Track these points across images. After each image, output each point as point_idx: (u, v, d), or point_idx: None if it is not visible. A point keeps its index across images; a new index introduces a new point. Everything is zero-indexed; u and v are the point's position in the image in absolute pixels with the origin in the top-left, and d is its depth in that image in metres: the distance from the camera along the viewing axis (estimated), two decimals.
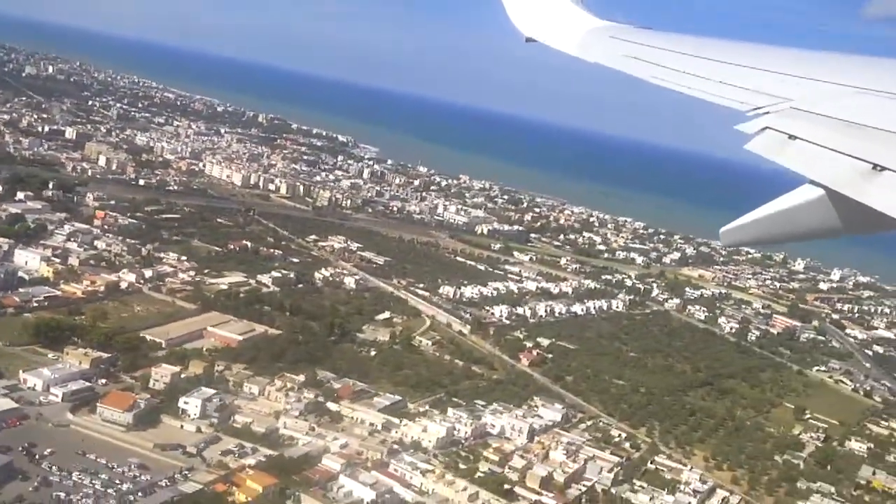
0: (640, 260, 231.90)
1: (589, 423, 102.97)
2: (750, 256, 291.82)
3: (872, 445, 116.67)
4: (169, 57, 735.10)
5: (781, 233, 9.07)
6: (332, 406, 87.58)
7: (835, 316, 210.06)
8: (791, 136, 9.22)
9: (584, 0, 20.61)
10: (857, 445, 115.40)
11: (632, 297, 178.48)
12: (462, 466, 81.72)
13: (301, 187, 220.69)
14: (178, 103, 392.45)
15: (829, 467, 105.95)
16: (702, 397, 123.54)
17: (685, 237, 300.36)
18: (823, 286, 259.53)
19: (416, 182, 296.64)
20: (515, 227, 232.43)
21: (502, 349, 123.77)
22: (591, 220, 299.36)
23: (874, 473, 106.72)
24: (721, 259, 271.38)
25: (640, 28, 18.24)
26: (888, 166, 7.64)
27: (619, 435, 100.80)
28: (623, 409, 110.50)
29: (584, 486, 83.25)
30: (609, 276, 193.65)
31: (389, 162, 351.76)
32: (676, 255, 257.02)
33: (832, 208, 8.28)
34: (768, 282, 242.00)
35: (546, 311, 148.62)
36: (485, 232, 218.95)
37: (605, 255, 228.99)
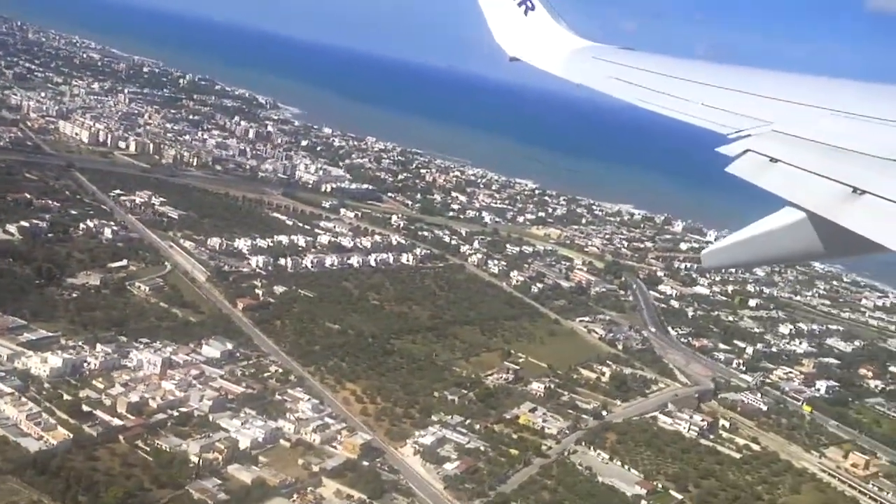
0: (488, 219, 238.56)
1: (253, 360, 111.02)
2: (630, 219, 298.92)
3: (554, 386, 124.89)
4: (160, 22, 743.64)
5: (762, 255, 9.36)
6: None
7: (660, 274, 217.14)
8: (772, 159, 9.42)
9: (567, 20, 21.24)
10: (537, 385, 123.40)
11: (435, 251, 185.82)
12: (59, 392, 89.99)
13: (151, 145, 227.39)
14: (100, 64, 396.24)
15: (484, 404, 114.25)
16: (413, 341, 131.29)
17: (572, 198, 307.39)
18: (685, 246, 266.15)
19: (306, 143, 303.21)
20: (366, 185, 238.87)
21: (227, 296, 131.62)
22: (480, 181, 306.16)
23: (534, 410, 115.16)
24: (588, 220, 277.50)
25: (623, 49, 18.73)
26: (868, 190, 7.77)
27: (276, 371, 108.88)
28: (312, 350, 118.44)
29: (177, 412, 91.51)
30: (427, 234, 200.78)
31: (297, 123, 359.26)
32: (540, 215, 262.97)
33: (813, 231, 8.41)
34: (619, 242, 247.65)
35: (313, 262, 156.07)
36: (329, 190, 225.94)
37: (452, 213, 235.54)
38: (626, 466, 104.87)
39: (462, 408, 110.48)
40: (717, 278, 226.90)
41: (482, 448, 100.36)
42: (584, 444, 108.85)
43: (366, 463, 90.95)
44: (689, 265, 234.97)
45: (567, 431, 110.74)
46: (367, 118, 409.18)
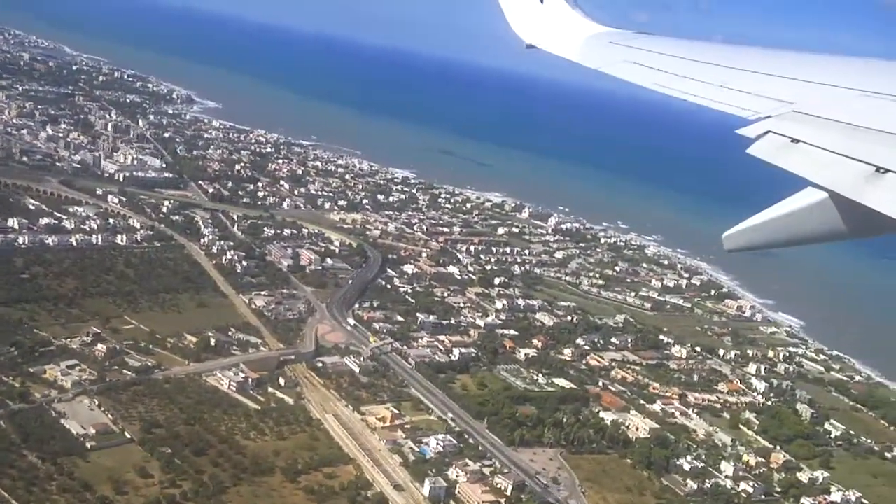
0: (286, 205, 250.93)
1: None
2: (476, 205, 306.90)
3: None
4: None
5: (784, 237, 9.45)
6: None
7: (424, 254, 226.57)
8: (793, 140, 9.56)
9: (584, 6, 21.57)
10: (101, 347, 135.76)
11: (169, 233, 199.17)
12: None
13: None
14: (22, 63, 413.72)
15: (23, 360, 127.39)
16: (24, 309, 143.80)
17: (428, 186, 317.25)
18: (503, 230, 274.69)
19: (168, 135, 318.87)
20: (168, 174, 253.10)
21: None
22: (337, 171, 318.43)
23: (73, 367, 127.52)
24: (416, 207, 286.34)
25: (641, 33, 18.73)
26: (892, 168, 7.92)
27: None
28: None
29: None
30: (180, 218, 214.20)
31: (188, 117, 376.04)
32: (364, 202, 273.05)
33: (835, 212, 8.52)
34: (420, 226, 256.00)
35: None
36: (121, 178, 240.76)
37: (247, 201, 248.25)
38: (107, 413, 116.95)
39: None
40: (495, 259, 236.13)
41: None
42: (90, 396, 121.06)
43: None
44: (476, 247, 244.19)
45: (85, 385, 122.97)
46: (293, 114, 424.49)
